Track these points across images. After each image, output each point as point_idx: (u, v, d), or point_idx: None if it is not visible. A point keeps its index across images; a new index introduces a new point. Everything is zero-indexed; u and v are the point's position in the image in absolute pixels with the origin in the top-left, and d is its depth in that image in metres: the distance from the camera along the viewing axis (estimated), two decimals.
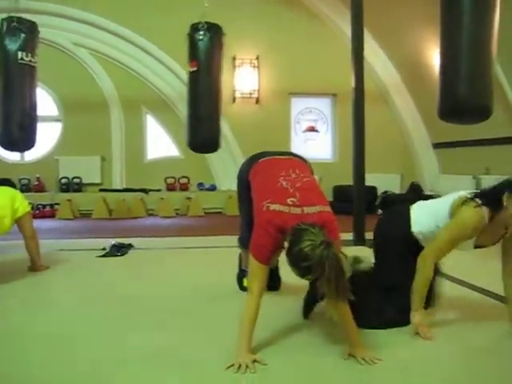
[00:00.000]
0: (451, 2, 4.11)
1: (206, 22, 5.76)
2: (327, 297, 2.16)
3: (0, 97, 5.63)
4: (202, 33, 5.73)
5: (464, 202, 2.61)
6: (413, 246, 2.76)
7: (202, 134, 5.95)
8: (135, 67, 9.32)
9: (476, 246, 2.76)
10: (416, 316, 2.63)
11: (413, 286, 2.62)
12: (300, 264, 2.18)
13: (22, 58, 5.56)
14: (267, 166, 2.78)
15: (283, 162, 2.80)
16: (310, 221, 2.31)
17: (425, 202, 2.96)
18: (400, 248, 2.81)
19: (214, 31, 5.84)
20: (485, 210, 2.56)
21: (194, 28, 5.80)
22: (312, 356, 2.42)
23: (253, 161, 2.92)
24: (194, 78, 5.92)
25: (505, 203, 2.54)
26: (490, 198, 2.58)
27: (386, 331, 2.72)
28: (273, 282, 3.28)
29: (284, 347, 2.52)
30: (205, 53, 5.81)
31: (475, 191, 2.67)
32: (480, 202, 2.57)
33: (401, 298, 2.66)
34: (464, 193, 2.68)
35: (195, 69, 5.83)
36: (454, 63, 4.11)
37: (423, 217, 2.80)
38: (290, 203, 2.41)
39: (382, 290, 2.75)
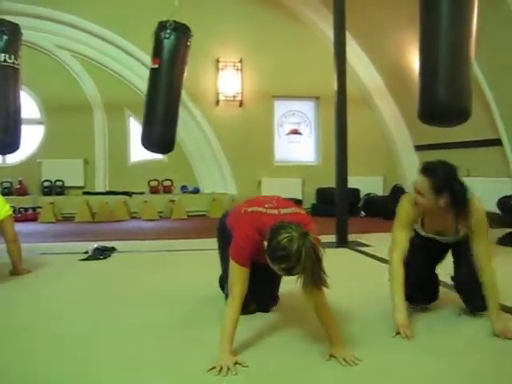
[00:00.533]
0: (429, 4, 4.16)
1: (175, 22, 5.75)
2: (303, 286, 2.21)
3: None
4: (168, 31, 5.72)
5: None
6: None
7: (156, 133, 5.90)
8: (118, 70, 9.29)
9: (434, 232, 2.95)
10: (400, 316, 2.67)
11: (390, 285, 2.69)
12: (277, 253, 2.22)
13: (5, 60, 5.53)
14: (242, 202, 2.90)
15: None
16: (286, 219, 2.40)
17: None
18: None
19: (182, 31, 5.82)
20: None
21: (162, 26, 5.79)
22: (293, 357, 2.43)
23: (228, 210, 3.11)
24: (154, 76, 5.90)
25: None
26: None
27: (366, 330, 2.74)
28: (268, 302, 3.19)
29: (265, 348, 2.53)
30: (168, 51, 5.79)
31: None
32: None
33: None
34: None
35: (156, 66, 5.81)
36: (433, 65, 4.15)
37: None
38: (267, 206, 2.57)
39: None
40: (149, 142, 5.98)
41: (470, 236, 2.78)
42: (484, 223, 2.79)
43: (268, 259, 2.29)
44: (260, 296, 2.99)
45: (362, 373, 2.26)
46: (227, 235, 2.70)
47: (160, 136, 5.94)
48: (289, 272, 2.26)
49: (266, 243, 2.31)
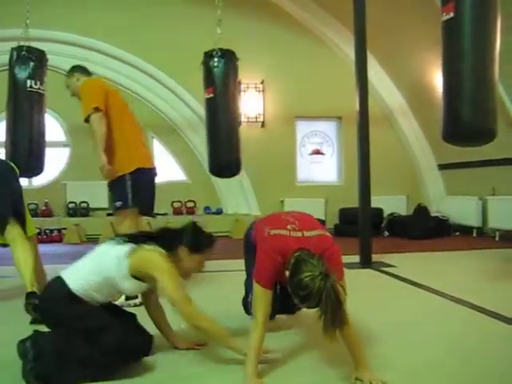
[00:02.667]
0: (452, 26, 4.15)
1: (220, 49, 5.83)
2: (324, 327, 2.17)
3: (9, 124, 5.72)
4: (216, 59, 5.80)
5: (138, 250, 2.56)
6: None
7: (222, 159, 5.97)
8: (141, 92, 9.41)
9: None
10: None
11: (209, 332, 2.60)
12: (299, 293, 2.24)
13: (31, 86, 5.66)
14: (268, 216, 2.92)
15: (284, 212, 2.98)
16: (310, 244, 2.40)
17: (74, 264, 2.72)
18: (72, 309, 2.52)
19: (228, 57, 5.90)
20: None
21: (209, 55, 5.85)
22: (318, 379, 2.41)
23: (254, 222, 3.07)
24: (210, 105, 5.96)
25: (179, 252, 2.65)
26: (165, 244, 2.63)
27: (392, 353, 2.71)
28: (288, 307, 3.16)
29: (290, 371, 2.52)
30: (220, 79, 5.86)
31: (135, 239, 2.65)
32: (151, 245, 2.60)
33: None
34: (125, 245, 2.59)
35: (211, 95, 5.88)
36: (457, 86, 4.13)
37: (82, 270, 2.61)
38: (290, 228, 2.54)
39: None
40: (217, 169, 6.09)
41: None
42: None
43: (289, 291, 2.31)
44: (283, 303, 2.92)
45: None
46: (250, 247, 2.77)
47: (227, 161, 6.01)
48: (310, 308, 2.27)
49: (287, 272, 2.34)
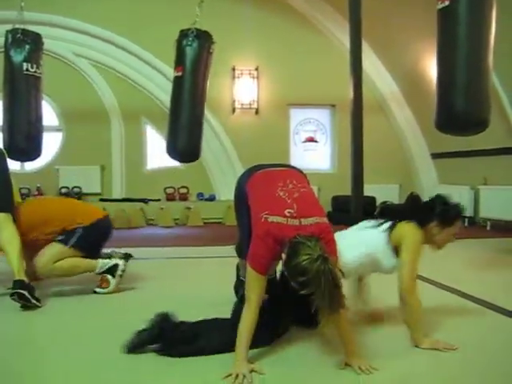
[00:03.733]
0: (447, 14, 4.15)
1: (196, 29, 5.79)
2: (320, 310, 2.17)
3: (6, 107, 5.70)
4: (190, 39, 5.75)
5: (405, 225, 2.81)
6: None
7: (182, 142, 5.89)
8: (136, 78, 9.38)
9: None
10: (426, 343, 2.65)
11: (410, 320, 2.69)
12: (297, 278, 2.21)
13: (27, 69, 5.64)
14: (264, 178, 2.74)
15: (280, 172, 2.79)
16: (307, 232, 2.34)
17: (342, 233, 3.00)
18: None
19: (204, 38, 5.86)
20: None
21: (184, 34, 5.82)
22: (309, 366, 2.44)
23: (250, 173, 2.84)
24: (177, 84, 5.91)
25: (431, 225, 2.83)
26: (418, 218, 2.83)
27: (382, 341, 2.73)
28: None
29: (281, 357, 2.54)
30: (191, 59, 5.81)
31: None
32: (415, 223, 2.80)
33: None
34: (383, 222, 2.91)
35: (180, 74, 5.83)
36: (451, 75, 4.15)
37: (346, 248, 2.74)
38: (288, 215, 2.42)
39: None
40: (174, 151, 5.97)
41: None
42: None
43: (287, 275, 2.29)
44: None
45: (378, 382, 2.25)
46: (244, 202, 2.70)
47: (185, 144, 5.92)
48: (306, 294, 2.23)
49: (284, 256, 2.31)
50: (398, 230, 2.80)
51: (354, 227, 3.09)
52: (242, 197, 2.77)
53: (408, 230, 2.77)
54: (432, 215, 2.81)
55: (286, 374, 2.34)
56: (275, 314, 2.67)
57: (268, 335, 2.75)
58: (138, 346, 2.54)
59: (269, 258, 2.41)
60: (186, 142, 5.91)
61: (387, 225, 2.86)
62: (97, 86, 9.32)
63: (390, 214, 2.95)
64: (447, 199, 2.90)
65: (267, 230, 2.41)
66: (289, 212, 2.43)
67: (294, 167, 2.98)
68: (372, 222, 2.97)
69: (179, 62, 5.85)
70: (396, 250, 2.79)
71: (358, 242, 2.87)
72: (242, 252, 2.98)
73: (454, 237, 2.89)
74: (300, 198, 2.53)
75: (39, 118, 5.86)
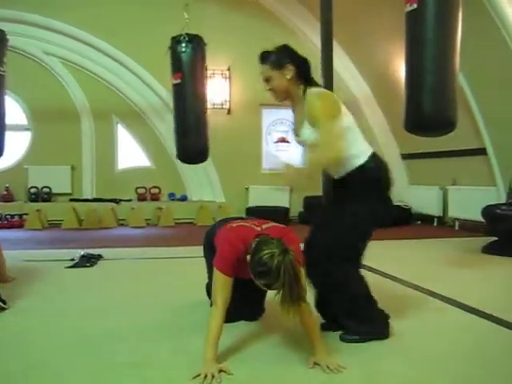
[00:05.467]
0: (415, 15, 4.21)
1: (187, 34, 5.77)
2: (281, 302, 2.24)
3: None
4: (184, 44, 5.74)
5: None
6: None
7: (190, 145, 5.94)
8: (106, 77, 9.29)
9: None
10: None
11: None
12: (258, 269, 2.30)
13: None
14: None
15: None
16: (269, 233, 2.50)
17: None
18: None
19: (196, 42, 5.85)
20: None
21: (176, 40, 5.79)
22: (278, 365, 2.44)
23: (216, 225, 3.07)
24: (178, 90, 5.90)
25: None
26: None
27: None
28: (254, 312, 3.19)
29: (250, 356, 2.55)
30: (188, 64, 5.80)
31: None
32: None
33: None
34: None
35: (179, 81, 5.82)
36: (418, 76, 4.20)
37: None
38: (251, 223, 2.66)
39: None
40: (185, 155, 6.04)
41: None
42: (317, 110, 2.74)
43: (250, 272, 2.36)
44: (245, 308, 3.02)
45: (346, 380, 2.27)
46: (213, 250, 2.69)
47: (196, 148, 5.99)
48: (269, 287, 2.34)
49: (249, 257, 2.39)
50: None
51: None
52: (210, 246, 2.90)
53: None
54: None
55: (254, 373, 2.34)
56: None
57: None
58: None
59: (233, 258, 2.49)
60: (196, 145, 5.99)
61: None
62: (67, 85, 9.21)
63: None
64: None
65: (233, 232, 2.59)
66: (251, 222, 2.67)
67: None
68: None
69: (177, 69, 5.83)
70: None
71: None
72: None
73: None
74: (262, 221, 2.75)
75: (2, 117, 5.77)
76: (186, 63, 5.80)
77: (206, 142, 6.01)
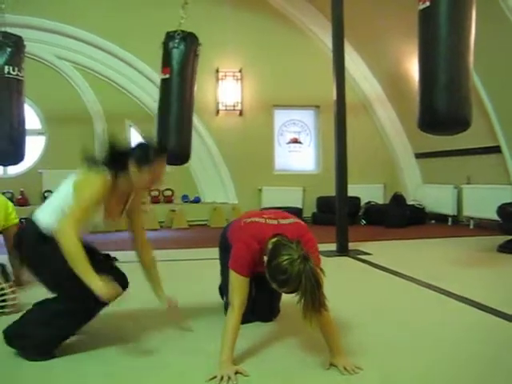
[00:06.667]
0: (428, 13, 4.18)
1: (182, 31, 5.77)
2: (303, 310, 2.18)
3: None
4: (176, 41, 5.73)
5: (85, 171, 2.57)
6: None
7: (171, 145, 5.75)
8: (119, 81, 9.33)
9: (105, 217, 2.76)
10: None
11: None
12: (278, 277, 2.24)
13: (8, 72, 5.60)
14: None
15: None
16: (285, 231, 2.44)
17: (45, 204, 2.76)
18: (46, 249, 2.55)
19: (190, 40, 5.84)
20: (108, 174, 2.55)
21: (170, 36, 5.80)
22: (293, 366, 2.44)
23: (230, 222, 3.10)
24: (164, 86, 5.88)
25: (130, 169, 2.59)
26: (113, 164, 2.59)
27: (367, 340, 2.75)
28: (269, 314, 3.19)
29: (266, 358, 2.54)
30: (178, 61, 5.77)
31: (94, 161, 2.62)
32: (102, 167, 2.56)
33: None
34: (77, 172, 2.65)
35: (167, 76, 5.80)
36: (432, 75, 4.17)
37: (49, 215, 2.60)
38: (266, 217, 2.60)
39: None
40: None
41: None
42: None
43: (268, 277, 2.30)
44: (260, 309, 3.02)
45: (363, 381, 2.26)
46: (228, 249, 2.68)
47: (174, 147, 5.78)
48: (288, 293, 2.29)
49: (265, 258, 2.34)
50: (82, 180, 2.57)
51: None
52: (225, 244, 2.90)
53: (84, 178, 2.56)
54: (127, 159, 2.59)
55: (270, 375, 2.34)
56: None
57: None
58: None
59: (248, 258, 2.45)
60: (175, 145, 5.81)
61: (74, 177, 2.63)
62: (80, 89, 9.26)
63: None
64: (147, 140, 2.71)
65: (246, 230, 2.53)
66: (267, 216, 2.62)
67: None
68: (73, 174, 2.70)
69: (166, 64, 5.82)
70: None
71: (52, 202, 2.68)
72: (224, 292, 3.15)
73: (160, 176, 2.67)
74: (277, 212, 2.74)
75: (22, 122, 5.82)
76: (176, 59, 5.77)
77: (187, 142, 5.88)
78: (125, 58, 9.21)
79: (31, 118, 9.23)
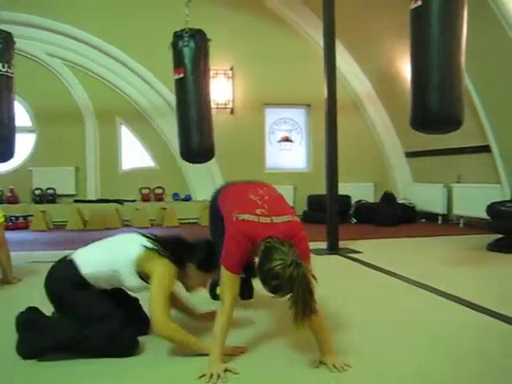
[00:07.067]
0: (420, 13, 4.19)
1: (190, 29, 5.73)
2: (294, 315, 2.16)
3: None
4: (186, 39, 5.69)
5: (150, 254, 2.63)
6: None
7: (194, 143, 5.76)
8: (110, 78, 9.29)
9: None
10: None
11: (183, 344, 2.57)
12: (270, 282, 2.23)
13: None
14: (235, 188, 2.92)
15: (250, 183, 2.95)
16: (279, 230, 2.38)
17: (89, 247, 2.88)
18: (79, 294, 2.62)
19: (199, 37, 5.80)
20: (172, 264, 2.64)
21: (178, 35, 5.75)
22: (283, 364, 2.45)
23: (221, 188, 3.07)
24: (180, 86, 5.83)
25: (189, 267, 2.69)
26: (175, 256, 2.66)
27: (356, 338, 2.76)
28: (245, 291, 3.27)
29: (256, 356, 2.55)
30: (190, 59, 5.73)
31: (154, 242, 2.72)
32: (164, 254, 2.64)
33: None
34: (143, 242, 2.70)
35: (181, 76, 5.75)
36: (425, 74, 4.18)
37: (91, 265, 2.67)
38: (259, 213, 2.48)
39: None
40: (188, 154, 5.88)
41: None
42: None
43: (260, 280, 2.29)
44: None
45: (353, 379, 2.27)
46: (218, 216, 2.77)
47: (199, 145, 5.78)
48: (279, 297, 2.27)
49: (257, 259, 2.32)
50: (149, 260, 2.63)
51: (114, 238, 2.93)
52: (215, 213, 2.92)
53: (158, 264, 2.60)
54: (192, 257, 2.69)
55: (260, 373, 2.35)
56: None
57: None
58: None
59: (240, 257, 2.44)
60: (200, 143, 5.79)
61: (139, 249, 2.66)
62: (70, 87, 9.22)
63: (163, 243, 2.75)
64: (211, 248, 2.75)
65: (238, 228, 2.46)
66: (260, 211, 2.50)
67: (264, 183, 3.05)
68: (136, 238, 2.79)
69: (178, 63, 5.76)
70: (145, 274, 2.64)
71: (104, 253, 2.73)
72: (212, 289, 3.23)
73: (207, 283, 2.87)
74: (270, 199, 2.63)
75: (12, 119, 5.78)
76: (188, 58, 5.73)
77: (210, 139, 5.88)
78: (115, 56, 9.18)
79: (21, 116, 9.18)
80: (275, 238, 2.32)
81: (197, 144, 5.78)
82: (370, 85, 9.86)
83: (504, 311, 3.22)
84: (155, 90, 9.32)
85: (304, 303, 2.15)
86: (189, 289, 2.78)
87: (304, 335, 2.26)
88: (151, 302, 2.50)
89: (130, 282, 2.65)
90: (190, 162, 6.20)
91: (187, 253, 2.69)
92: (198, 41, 5.72)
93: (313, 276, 2.27)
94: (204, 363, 2.32)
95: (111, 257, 2.67)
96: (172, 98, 9.17)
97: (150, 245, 2.67)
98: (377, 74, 9.63)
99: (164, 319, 2.47)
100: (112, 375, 2.34)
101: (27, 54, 8.89)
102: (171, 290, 2.64)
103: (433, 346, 2.67)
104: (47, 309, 2.71)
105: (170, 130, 9.12)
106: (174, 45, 5.74)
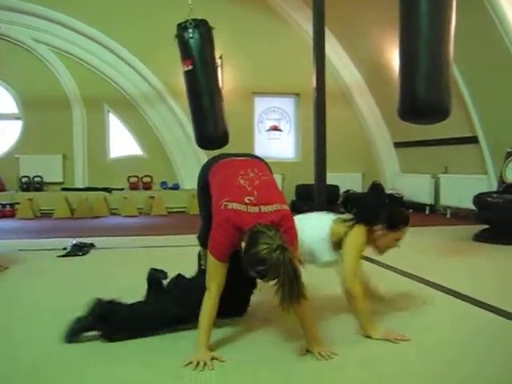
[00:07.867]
0: (409, 3, 4.19)
1: (193, 19, 5.70)
2: (281, 301, 2.16)
3: None
4: (191, 30, 5.67)
5: (345, 222, 2.83)
6: None
7: (209, 130, 5.84)
8: (97, 65, 9.23)
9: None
10: (378, 333, 2.62)
11: (358, 313, 2.68)
12: (255, 267, 2.22)
13: None
14: (226, 166, 2.76)
15: (242, 161, 2.80)
16: (267, 220, 2.35)
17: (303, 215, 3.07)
18: None
19: (203, 27, 5.78)
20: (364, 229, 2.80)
21: (183, 27, 5.72)
22: (270, 353, 2.46)
23: (212, 163, 2.87)
24: (190, 77, 5.83)
25: (377, 228, 2.82)
26: (365, 220, 2.81)
27: (343, 328, 2.77)
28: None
29: (242, 344, 2.56)
30: (197, 50, 5.73)
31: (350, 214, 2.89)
32: (357, 221, 2.80)
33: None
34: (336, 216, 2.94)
35: (190, 68, 5.75)
36: (413, 64, 4.18)
37: (308, 227, 2.85)
38: (248, 202, 2.42)
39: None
40: (204, 141, 5.95)
41: None
42: None
43: (244, 265, 2.27)
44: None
45: (338, 367, 2.29)
46: (206, 192, 2.74)
47: (214, 132, 5.87)
48: (265, 282, 2.28)
49: (243, 244, 2.31)
50: (341, 228, 2.80)
51: (308, 215, 3.13)
52: (204, 186, 2.81)
53: (352, 232, 2.76)
54: (379, 218, 2.80)
55: (246, 361, 2.35)
56: (243, 285, 2.73)
57: (239, 307, 2.96)
58: (76, 333, 2.55)
59: (228, 246, 2.41)
60: (215, 130, 5.87)
61: (330, 222, 2.88)
62: (57, 73, 9.14)
63: (352, 202, 2.98)
64: (398, 204, 2.93)
65: (226, 216, 2.41)
66: (249, 199, 2.43)
67: (256, 157, 3.01)
68: (327, 215, 3.00)
69: (186, 55, 5.75)
70: (337, 244, 2.80)
71: (300, 229, 2.68)
72: (203, 241, 2.97)
73: (396, 242, 2.90)
74: (261, 185, 2.54)
75: None
76: (195, 49, 5.73)
77: (224, 125, 5.95)
78: (104, 43, 9.11)
79: (8, 102, 9.11)
80: (262, 223, 2.31)
81: (212, 131, 5.84)
82: (359, 75, 9.86)
83: (490, 301, 3.24)
84: (144, 78, 9.27)
85: (291, 287, 2.15)
86: (380, 251, 2.92)
87: (289, 323, 2.26)
88: (344, 265, 2.69)
89: (323, 256, 2.84)
90: (206, 149, 6.39)
91: (374, 215, 2.81)
92: (202, 31, 5.71)
93: (299, 261, 2.27)
94: (190, 351, 2.32)
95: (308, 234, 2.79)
96: (160, 86, 9.16)
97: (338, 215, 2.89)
98: (367, 65, 9.63)
99: (354, 281, 2.64)
100: (98, 362, 2.34)
101: (14, 39, 8.80)
102: (361, 254, 2.79)
103: (421, 334, 2.69)
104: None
105: (158, 118, 9.10)
106: (179, 37, 5.71)
